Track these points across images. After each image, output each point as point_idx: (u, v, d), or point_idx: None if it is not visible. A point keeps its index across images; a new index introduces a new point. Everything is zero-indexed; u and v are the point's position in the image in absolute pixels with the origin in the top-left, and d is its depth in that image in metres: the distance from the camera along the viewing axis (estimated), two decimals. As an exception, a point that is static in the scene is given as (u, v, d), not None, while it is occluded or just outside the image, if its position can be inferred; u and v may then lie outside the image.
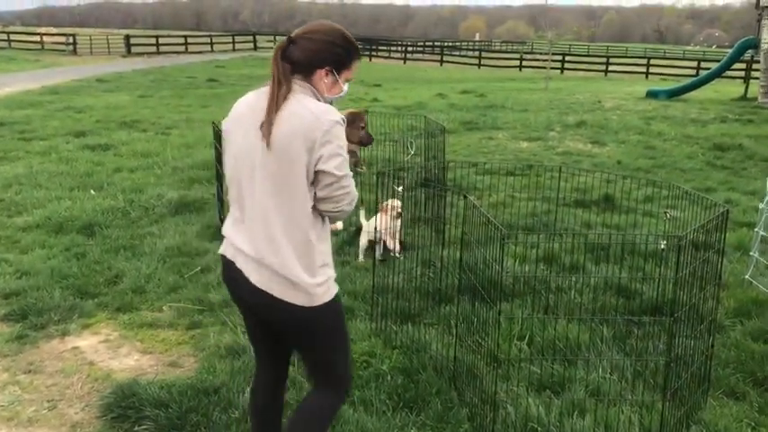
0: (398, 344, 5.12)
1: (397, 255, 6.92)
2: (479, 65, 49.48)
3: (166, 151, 12.63)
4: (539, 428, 4.04)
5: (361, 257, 7.00)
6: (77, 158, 11.92)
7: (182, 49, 53.36)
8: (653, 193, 9.75)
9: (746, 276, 6.64)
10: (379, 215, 6.50)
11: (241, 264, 2.86)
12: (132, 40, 51.64)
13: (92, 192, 9.58)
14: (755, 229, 7.06)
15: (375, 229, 6.52)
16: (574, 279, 6.38)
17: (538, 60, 45.09)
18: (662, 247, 5.63)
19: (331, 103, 2.94)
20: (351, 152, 6.01)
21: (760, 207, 7.17)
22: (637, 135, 16.57)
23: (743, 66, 32.12)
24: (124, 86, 26.69)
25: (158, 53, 50.90)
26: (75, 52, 48.56)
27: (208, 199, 9.07)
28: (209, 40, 57.77)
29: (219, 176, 7.34)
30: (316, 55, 2.85)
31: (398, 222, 6.95)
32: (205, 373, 4.68)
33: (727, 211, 4.47)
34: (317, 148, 2.73)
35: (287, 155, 2.72)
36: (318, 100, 2.87)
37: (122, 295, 6.06)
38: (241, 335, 5.28)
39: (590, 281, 6.34)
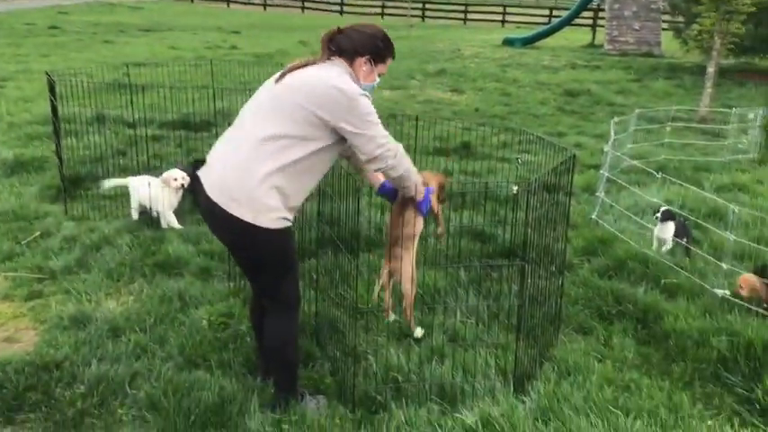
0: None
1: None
2: (341, 12, 48.85)
3: (0, 106, 11.53)
4: (399, 377, 4.05)
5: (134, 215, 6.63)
6: None
7: (18, -8, 48.75)
8: (508, 140, 10.03)
9: (593, 216, 6.99)
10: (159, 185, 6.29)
11: (202, 173, 3.40)
12: (-42, -17, 46.56)
13: None
14: (601, 171, 7.42)
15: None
16: (433, 226, 6.45)
17: (399, 8, 45.13)
18: (514, 191, 5.78)
19: (365, 94, 3.37)
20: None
21: (605, 149, 7.54)
22: (494, 82, 17.00)
23: (590, 14, 33.67)
24: (-50, 34, 24.08)
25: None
26: None
27: (48, 157, 8.37)
28: (49, -17, 53.10)
29: (58, 132, 6.75)
30: (360, 44, 3.46)
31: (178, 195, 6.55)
32: (46, 347, 4.33)
33: (575, 155, 4.61)
34: (328, 107, 3.26)
35: (290, 98, 3.27)
36: (354, 82, 3.37)
37: (-52, 267, 5.49)
38: (87, 303, 4.92)
39: (449, 228, 6.43)
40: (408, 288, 4.53)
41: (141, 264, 5.57)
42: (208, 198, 3.31)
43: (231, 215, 3.24)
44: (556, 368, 4.27)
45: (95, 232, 6.18)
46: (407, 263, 4.53)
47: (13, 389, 3.85)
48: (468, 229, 6.41)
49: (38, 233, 6.14)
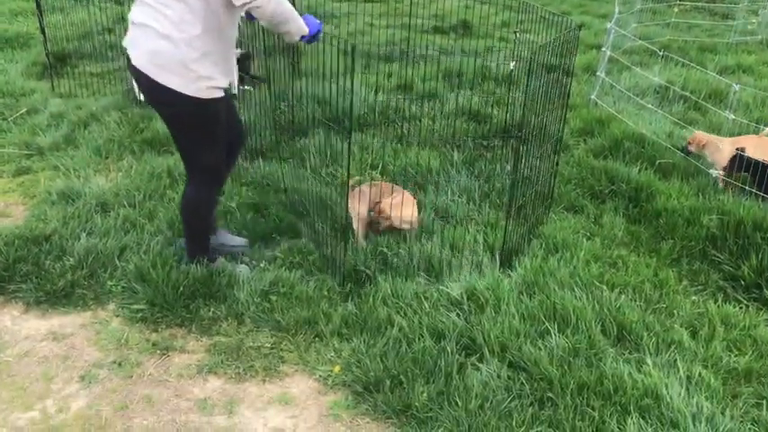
0: (248, 180, 4.93)
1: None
2: None
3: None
4: (387, 251, 4.07)
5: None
6: None
7: None
8: (509, 18, 9.68)
9: (592, 96, 6.83)
10: None
11: (129, 33, 3.41)
12: None
13: None
14: (603, 49, 7.19)
15: None
16: (428, 107, 6.32)
17: None
18: (511, 67, 5.61)
19: None
20: None
21: (608, 27, 7.27)
22: (498, -41, 16.24)
23: None
24: None
25: None
26: None
27: (33, 33, 8.10)
28: None
29: (40, 7, 6.48)
30: None
31: None
32: (35, 221, 4.32)
33: (579, 27, 4.43)
34: None
35: None
36: None
37: (-66, 143, 5.42)
38: (75, 179, 4.88)
39: (444, 107, 6.30)
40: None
41: (130, 141, 5.49)
42: (134, 68, 3.38)
43: (159, 84, 3.31)
44: (544, 245, 4.28)
45: (83, 109, 6.06)
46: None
47: (3, 260, 3.86)
48: (464, 110, 6.28)
49: (24, 110, 6.02)
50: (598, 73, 7.00)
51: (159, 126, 5.66)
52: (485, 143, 5.75)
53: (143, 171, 5.00)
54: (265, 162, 5.13)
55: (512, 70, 5.61)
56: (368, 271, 3.90)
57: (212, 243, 3.97)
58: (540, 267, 3.95)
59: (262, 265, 3.99)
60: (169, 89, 3.32)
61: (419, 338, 3.37)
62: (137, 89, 6.22)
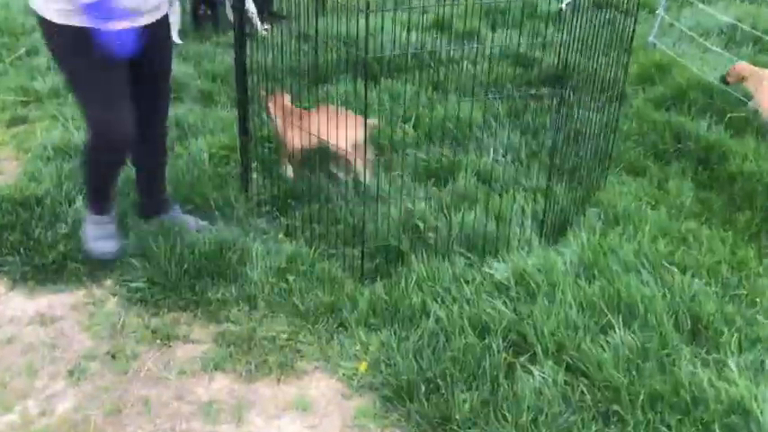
0: (265, 134, 4.39)
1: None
2: None
3: None
4: (421, 223, 3.54)
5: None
6: None
7: None
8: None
9: (651, 38, 6.11)
10: None
11: None
12: None
13: None
14: (663, -17, 6.42)
15: None
16: (467, 48, 5.67)
17: None
18: (562, 5, 4.91)
19: None
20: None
21: (669, -42, 6.47)
22: None
23: None
24: None
25: None
26: None
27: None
28: None
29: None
30: None
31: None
32: (27, 181, 3.86)
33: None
34: None
35: None
36: None
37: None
38: (74, 130, 4.39)
39: (485, 50, 5.65)
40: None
41: (137, 87, 4.96)
42: None
43: (30, 6, 2.97)
44: (602, 215, 3.72)
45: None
46: None
47: (-12, 228, 3.43)
48: (508, 52, 5.62)
49: (23, 50, 5.51)
50: (658, 11, 6.25)
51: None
52: (532, 92, 5.13)
53: (150, 122, 4.48)
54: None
55: (562, 8, 4.90)
56: (399, 246, 3.39)
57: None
58: (600, 245, 3.40)
59: (279, 237, 3.51)
60: (34, 11, 2.94)
61: (459, 333, 2.87)
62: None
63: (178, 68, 5.15)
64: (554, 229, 3.56)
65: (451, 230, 3.47)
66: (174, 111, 4.56)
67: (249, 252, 3.32)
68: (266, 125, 4.10)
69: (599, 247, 3.39)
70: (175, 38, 5.82)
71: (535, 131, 4.53)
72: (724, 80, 4.89)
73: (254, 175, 3.95)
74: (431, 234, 3.46)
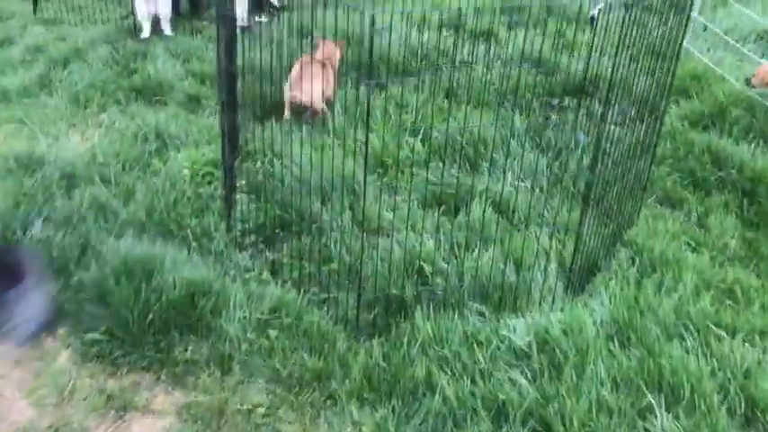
0: (253, 149, 3.90)
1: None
2: None
3: None
4: (427, 267, 3.05)
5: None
6: None
7: None
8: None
9: (684, 43, 5.57)
10: None
11: None
12: None
13: None
14: (699, -17, 5.86)
15: None
16: (482, 50, 5.15)
17: None
18: (594, 12, 4.35)
19: None
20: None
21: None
22: None
23: None
24: None
25: None
26: None
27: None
28: None
29: None
30: None
31: None
32: (-20, 200, 3.40)
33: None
34: None
35: None
36: None
37: None
38: (42, 137, 3.91)
39: (502, 51, 5.14)
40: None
41: (116, 87, 4.48)
42: None
43: None
44: (636, 259, 3.23)
45: (67, 41, 5.04)
46: None
47: (-74, 260, 2.96)
48: (527, 55, 5.09)
49: (-7, 40, 5.03)
50: (695, 14, 5.70)
51: (153, 68, 4.63)
52: (553, 102, 4.63)
53: (126, 129, 4.01)
54: (277, 126, 4.07)
55: (594, 16, 4.36)
56: (402, 294, 2.92)
57: None
58: (635, 299, 2.93)
59: (263, 275, 3.04)
60: None
61: (471, 416, 2.40)
62: (140, 14, 5.20)
63: (164, 67, 4.67)
64: (581, 274, 3.08)
65: (463, 276, 2.99)
66: (156, 117, 4.09)
67: (227, 298, 2.85)
68: (257, 138, 3.59)
69: (634, 303, 2.91)
70: (167, 29, 5.34)
71: (558, 152, 4.03)
72: (748, 82, 4.46)
73: (240, 197, 3.47)
74: (438, 281, 2.98)
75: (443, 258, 3.09)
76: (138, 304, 2.75)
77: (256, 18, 5.48)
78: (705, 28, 5.74)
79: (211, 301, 2.82)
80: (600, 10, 4.24)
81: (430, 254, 3.09)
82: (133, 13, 5.27)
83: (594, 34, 4.33)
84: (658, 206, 3.72)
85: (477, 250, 3.13)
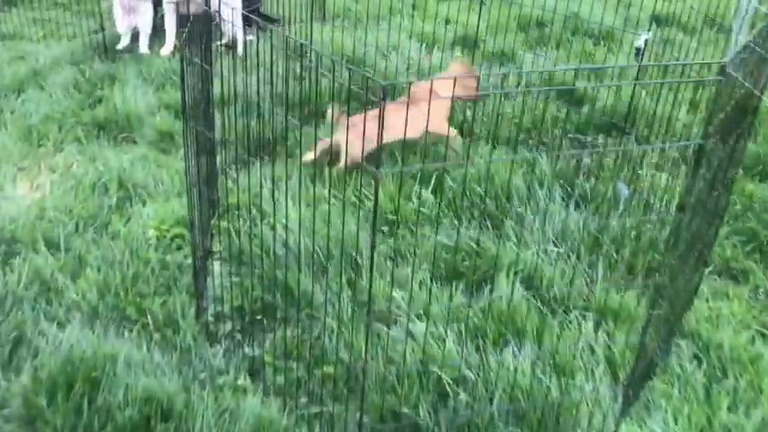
0: (236, 203, 3.28)
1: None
2: None
3: None
4: (444, 375, 2.43)
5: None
6: None
7: None
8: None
9: (724, 59, 4.96)
10: None
11: None
12: None
13: None
14: None
15: None
16: (501, 74, 4.54)
17: None
18: (640, 43, 3.71)
19: None
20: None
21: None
22: None
23: None
24: None
25: None
26: None
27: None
28: None
29: None
30: None
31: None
32: None
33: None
34: None
35: None
36: None
37: None
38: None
39: (522, 77, 4.52)
40: None
41: (76, 120, 3.85)
42: None
43: None
44: (703, 360, 2.62)
45: (26, 61, 4.41)
46: None
47: None
48: (552, 79, 4.48)
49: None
50: (733, 30, 5.09)
51: (121, 96, 4.00)
52: (584, 139, 4.03)
53: (84, 176, 3.38)
54: (264, 164, 3.45)
55: (640, 48, 3.72)
56: (414, 414, 2.31)
57: None
58: (708, 419, 2.32)
59: (240, 381, 2.42)
60: None
61: None
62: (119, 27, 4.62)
63: (134, 95, 4.03)
64: (635, 381, 2.48)
65: (491, 385, 2.38)
66: (119, 161, 3.47)
67: (193, 418, 2.23)
68: (239, 189, 2.96)
69: (707, 425, 2.31)
70: (143, 47, 4.73)
71: (597, 205, 3.41)
72: None
73: (215, 269, 2.86)
74: (462, 395, 2.37)
75: (465, 361, 2.48)
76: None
77: (246, 36, 4.86)
78: (746, 47, 5.12)
79: (173, 424, 2.21)
80: (647, 41, 3.61)
81: (451, 355, 2.48)
82: (103, 27, 4.65)
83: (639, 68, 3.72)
84: (717, 278, 3.11)
85: (508, 348, 2.52)
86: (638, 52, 3.66)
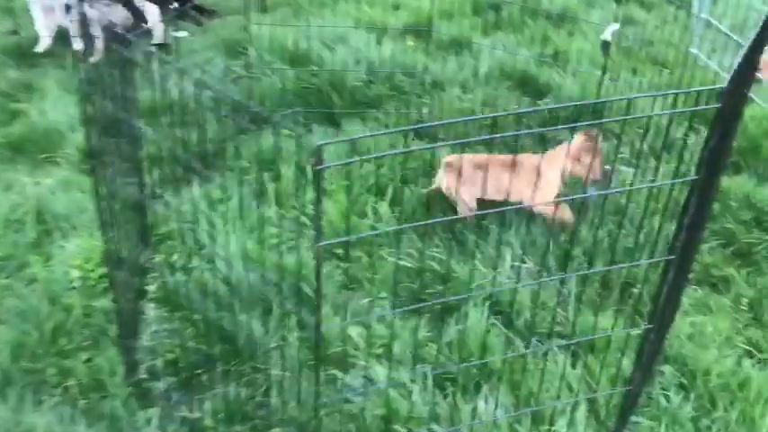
0: (163, 233, 2.94)
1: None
2: None
3: None
4: None
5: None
6: None
7: None
8: None
9: (692, 49, 4.74)
10: None
11: None
12: None
13: None
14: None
15: None
16: (455, 63, 4.23)
17: None
18: (607, 36, 3.43)
19: None
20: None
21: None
22: None
23: None
24: None
25: None
26: None
27: None
28: None
29: None
30: None
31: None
32: None
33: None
34: None
35: None
36: None
37: None
38: None
39: (477, 64, 4.23)
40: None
41: (-13, 140, 3.46)
42: None
43: None
44: (690, 392, 2.40)
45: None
46: None
47: None
48: (508, 72, 4.19)
49: None
50: (694, 10, 4.86)
51: (39, 110, 3.61)
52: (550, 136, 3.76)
53: (-4, 208, 3.01)
54: (205, 179, 3.12)
55: (606, 41, 3.45)
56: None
57: None
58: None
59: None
60: None
61: None
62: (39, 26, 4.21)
63: (54, 108, 3.64)
64: (619, 420, 2.25)
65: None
66: (38, 189, 3.10)
67: None
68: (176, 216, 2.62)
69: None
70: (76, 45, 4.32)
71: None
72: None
73: (148, 313, 2.54)
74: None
75: (432, 417, 2.21)
76: None
77: (175, 32, 4.47)
78: (708, 24, 4.91)
79: None
80: (614, 32, 3.34)
81: (416, 409, 2.21)
82: (17, 30, 4.22)
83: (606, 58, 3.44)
84: (698, 289, 2.89)
85: (480, 394, 2.27)
86: (606, 46, 3.39)
